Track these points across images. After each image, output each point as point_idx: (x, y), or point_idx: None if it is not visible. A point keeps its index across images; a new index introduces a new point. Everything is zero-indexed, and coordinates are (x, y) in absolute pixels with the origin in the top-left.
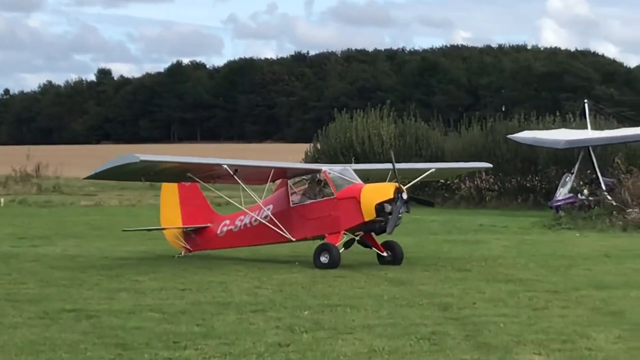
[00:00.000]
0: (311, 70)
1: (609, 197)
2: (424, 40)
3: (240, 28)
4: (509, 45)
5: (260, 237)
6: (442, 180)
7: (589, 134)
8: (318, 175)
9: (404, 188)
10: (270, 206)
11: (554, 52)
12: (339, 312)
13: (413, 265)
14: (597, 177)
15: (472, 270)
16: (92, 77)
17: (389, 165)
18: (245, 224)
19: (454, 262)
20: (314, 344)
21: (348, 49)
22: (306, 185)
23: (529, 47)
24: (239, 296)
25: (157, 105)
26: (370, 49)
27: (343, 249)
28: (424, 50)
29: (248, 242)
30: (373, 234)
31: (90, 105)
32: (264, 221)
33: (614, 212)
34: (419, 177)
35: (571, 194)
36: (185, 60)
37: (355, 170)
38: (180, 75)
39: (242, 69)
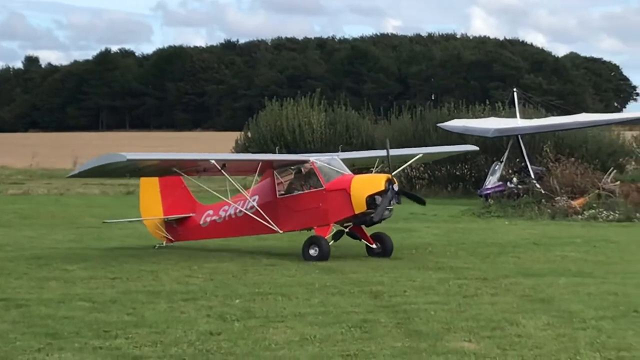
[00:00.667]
0: (241, 59)
1: (538, 186)
2: (354, 28)
3: (170, 15)
4: (439, 34)
5: (245, 228)
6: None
7: (518, 122)
8: (305, 166)
9: (395, 179)
10: (256, 197)
11: (483, 41)
12: (270, 300)
13: (344, 253)
14: (526, 166)
15: (403, 259)
16: (19, 64)
17: (375, 153)
18: (229, 215)
19: None
20: (245, 332)
21: (278, 37)
22: (292, 176)
23: (458, 36)
24: (169, 285)
25: (86, 93)
26: (300, 37)
27: (332, 241)
28: (354, 39)
29: (233, 233)
30: (363, 226)
31: (18, 93)
32: (249, 212)
33: (543, 200)
34: (406, 163)
35: (500, 182)
36: (114, 48)
37: (343, 160)
38: (108, 63)
39: (172, 56)
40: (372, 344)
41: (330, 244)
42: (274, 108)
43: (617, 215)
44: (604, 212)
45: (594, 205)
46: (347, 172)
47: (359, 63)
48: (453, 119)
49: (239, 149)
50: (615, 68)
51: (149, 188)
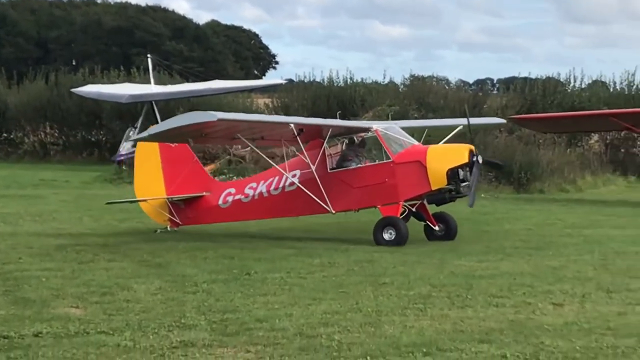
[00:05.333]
0: None
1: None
2: None
3: None
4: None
5: (284, 208)
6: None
7: (152, 88)
8: (359, 135)
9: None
10: (297, 172)
11: (124, 6)
12: None
13: None
14: None
15: (24, 225)
16: None
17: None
18: (260, 193)
19: (7, 217)
20: None
21: None
22: (342, 147)
23: (99, 1)
24: None
25: None
26: None
27: None
28: None
29: (266, 214)
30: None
31: None
32: (302, 187)
33: None
34: (449, 134)
35: (134, 149)
36: None
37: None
38: None
39: None
40: None
41: None
42: None
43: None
44: (234, 177)
45: (225, 170)
46: (414, 141)
47: None
48: (88, 84)
49: None
50: (255, 36)
51: (147, 161)
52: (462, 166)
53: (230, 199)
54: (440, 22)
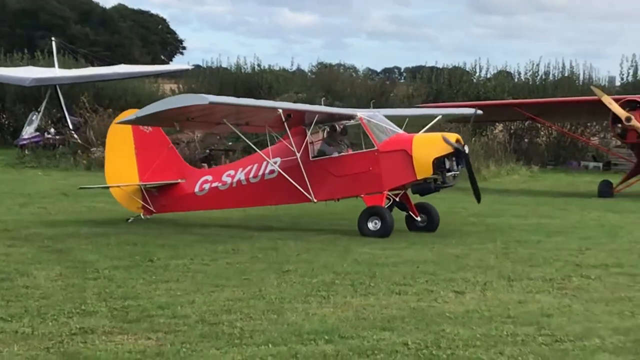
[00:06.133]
0: None
1: (75, 136)
2: None
3: None
4: None
5: (263, 197)
6: None
7: (56, 72)
8: (341, 123)
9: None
10: (277, 159)
11: None
12: None
13: None
14: (64, 116)
15: None
16: None
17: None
18: (239, 180)
19: None
20: None
21: None
22: (324, 134)
23: None
24: None
25: None
26: None
27: None
28: None
29: (243, 202)
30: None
31: None
32: (284, 174)
33: (79, 151)
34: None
35: (37, 133)
36: None
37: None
38: None
39: None
40: None
41: None
42: None
43: None
44: None
45: None
46: (399, 130)
47: None
48: None
49: None
50: (163, 21)
51: (119, 148)
52: (448, 156)
53: (207, 186)
54: (349, 11)
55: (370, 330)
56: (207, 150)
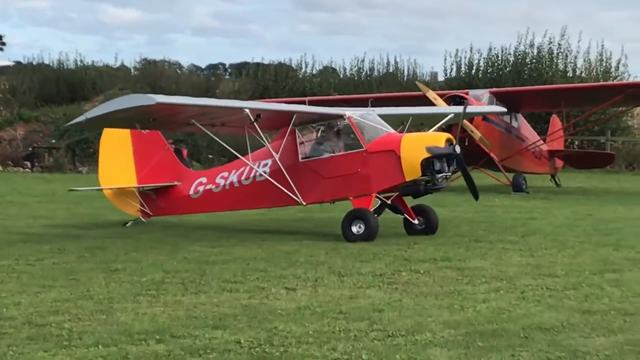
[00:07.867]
0: None
1: None
2: None
3: None
4: None
5: (254, 199)
6: None
7: None
8: (338, 123)
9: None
10: (268, 161)
11: None
12: None
13: None
14: None
15: None
16: None
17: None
18: (231, 183)
19: None
20: None
21: None
22: (316, 135)
23: None
24: None
25: None
26: None
27: (375, 216)
28: None
29: (235, 205)
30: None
31: None
32: (269, 179)
33: None
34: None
35: None
36: None
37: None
38: None
39: None
40: None
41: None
42: None
43: None
44: None
45: None
46: (390, 129)
47: None
48: None
49: None
50: None
51: (116, 150)
52: (438, 156)
53: (201, 188)
54: (173, 6)
55: (202, 329)
56: (30, 149)
